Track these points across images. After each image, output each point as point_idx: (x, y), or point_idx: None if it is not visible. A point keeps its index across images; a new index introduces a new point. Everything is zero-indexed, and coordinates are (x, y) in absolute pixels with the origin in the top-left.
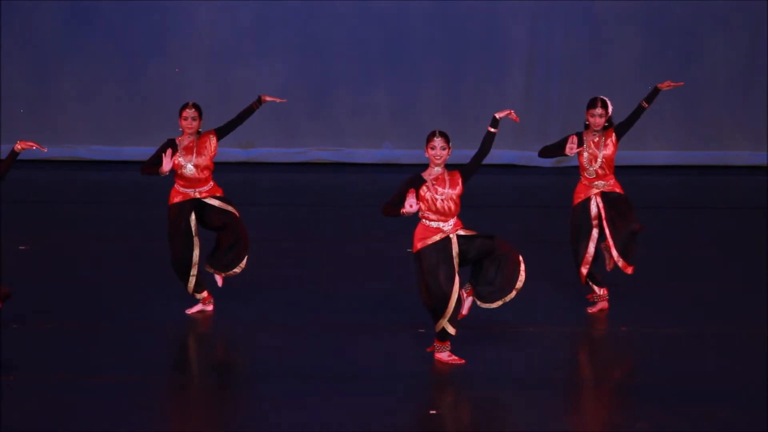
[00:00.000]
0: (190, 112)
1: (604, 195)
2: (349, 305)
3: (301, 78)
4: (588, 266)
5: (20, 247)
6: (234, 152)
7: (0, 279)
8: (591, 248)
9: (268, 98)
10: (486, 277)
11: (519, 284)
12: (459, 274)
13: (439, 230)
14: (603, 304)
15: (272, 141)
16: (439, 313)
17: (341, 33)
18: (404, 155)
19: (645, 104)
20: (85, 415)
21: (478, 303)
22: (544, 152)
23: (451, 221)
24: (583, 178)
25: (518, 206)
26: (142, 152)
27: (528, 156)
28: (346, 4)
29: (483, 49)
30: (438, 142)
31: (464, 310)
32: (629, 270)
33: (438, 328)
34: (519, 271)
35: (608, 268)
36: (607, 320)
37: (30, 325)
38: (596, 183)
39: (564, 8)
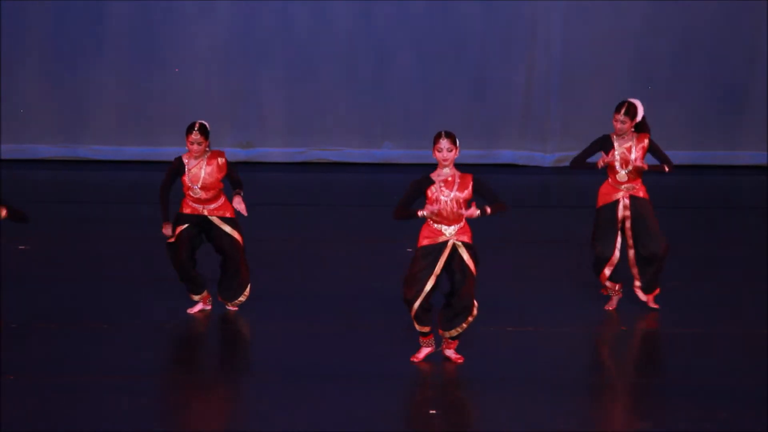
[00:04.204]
0: (195, 137)
1: (632, 198)
2: (349, 305)
3: (301, 77)
4: (612, 267)
5: (20, 247)
6: (234, 152)
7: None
8: (617, 252)
9: (237, 204)
10: (445, 313)
11: (455, 331)
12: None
13: (440, 233)
14: (615, 301)
15: (272, 141)
16: (409, 308)
17: (342, 33)
18: (404, 155)
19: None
20: (85, 415)
21: (441, 332)
22: (576, 164)
23: (455, 227)
24: (611, 179)
25: (518, 206)
26: (142, 152)
27: (528, 156)
28: (347, 3)
29: (483, 49)
30: (444, 143)
31: (420, 355)
32: (645, 297)
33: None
34: (467, 318)
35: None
36: (607, 320)
37: (30, 325)
38: (625, 186)
39: (564, 8)
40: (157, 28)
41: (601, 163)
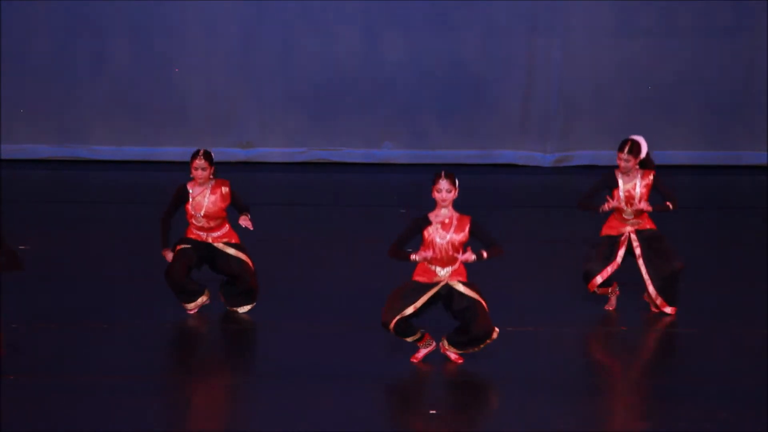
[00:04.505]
0: (200, 163)
1: (638, 233)
2: (349, 305)
3: (301, 77)
4: (595, 286)
5: (20, 247)
6: (234, 152)
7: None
8: (599, 278)
9: (244, 221)
10: (459, 336)
11: (470, 350)
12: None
13: (434, 274)
14: (614, 301)
15: (272, 141)
16: (386, 329)
17: (341, 31)
18: (404, 155)
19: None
20: (85, 415)
21: (451, 350)
22: (583, 205)
23: (449, 268)
24: (617, 215)
25: (518, 206)
26: (142, 152)
27: (528, 156)
28: (347, 4)
29: (483, 49)
30: (444, 184)
31: (419, 355)
32: (670, 310)
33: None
34: (485, 342)
35: (653, 309)
36: (607, 320)
37: (30, 325)
38: (631, 222)
39: (564, 9)
40: (157, 28)
41: (606, 208)
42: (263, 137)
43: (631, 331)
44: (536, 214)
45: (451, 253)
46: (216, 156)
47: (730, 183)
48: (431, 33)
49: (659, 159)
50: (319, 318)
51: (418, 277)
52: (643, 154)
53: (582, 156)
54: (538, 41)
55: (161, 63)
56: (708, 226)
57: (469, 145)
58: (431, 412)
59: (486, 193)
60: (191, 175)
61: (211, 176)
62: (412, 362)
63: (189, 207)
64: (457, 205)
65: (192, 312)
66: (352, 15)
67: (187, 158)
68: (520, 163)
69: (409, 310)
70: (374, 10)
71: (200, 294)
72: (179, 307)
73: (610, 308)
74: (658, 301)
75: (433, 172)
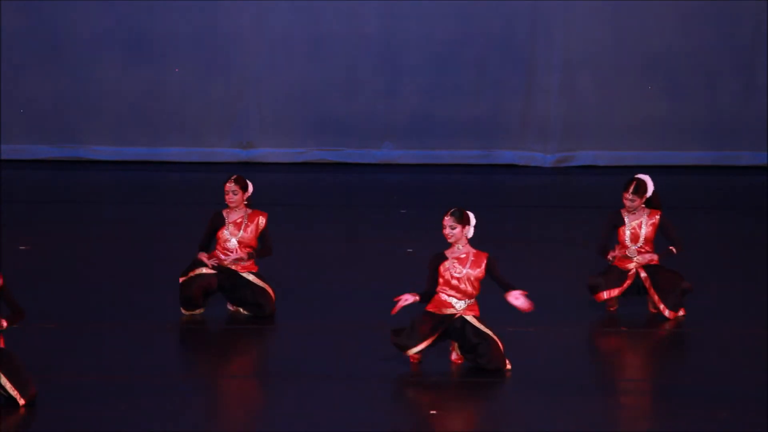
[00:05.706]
0: (231, 186)
1: (645, 267)
2: (349, 305)
3: (301, 77)
4: (601, 299)
5: (20, 247)
6: (234, 152)
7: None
8: (605, 294)
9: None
10: (468, 355)
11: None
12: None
13: (450, 306)
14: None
15: (272, 141)
16: (399, 351)
17: (341, 32)
18: (404, 155)
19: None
20: (84, 415)
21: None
22: (602, 251)
23: (465, 302)
24: (621, 253)
25: (518, 206)
26: (142, 152)
27: (528, 156)
28: (346, 4)
29: (483, 49)
30: (447, 221)
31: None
32: (679, 314)
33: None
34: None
35: (651, 310)
36: (607, 321)
37: (30, 325)
38: (636, 258)
39: (565, 8)
40: (157, 29)
41: (610, 258)
42: (263, 137)
43: (632, 331)
44: (536, 214)
45: (467, 287)
46: (216, 156)
47: (730, 183)
48: (432, 34)
49: (660, 159)
50: (319, 318)
51: (432, 309)
52: (649, 193)
53: (583, 156)
54: (538, 41)
55: (161, 63)
56: (708, 226)
57: (469, 145)
58: (431, 412)
59: (486, 193)
60: (226, 201)
61: (246, 202)
62: (413, 362)
63: (225, 232)
64: (458, 204)
65: (193, 312)
66: (352, 17)
67: (187, 158)
68: (521, 163)
69: (424, 344)
70: (376, 18)
71: (200, 308)
72: (179, 306)
73: (611, 309)
74: (667, 313)
75: (434, 171)
